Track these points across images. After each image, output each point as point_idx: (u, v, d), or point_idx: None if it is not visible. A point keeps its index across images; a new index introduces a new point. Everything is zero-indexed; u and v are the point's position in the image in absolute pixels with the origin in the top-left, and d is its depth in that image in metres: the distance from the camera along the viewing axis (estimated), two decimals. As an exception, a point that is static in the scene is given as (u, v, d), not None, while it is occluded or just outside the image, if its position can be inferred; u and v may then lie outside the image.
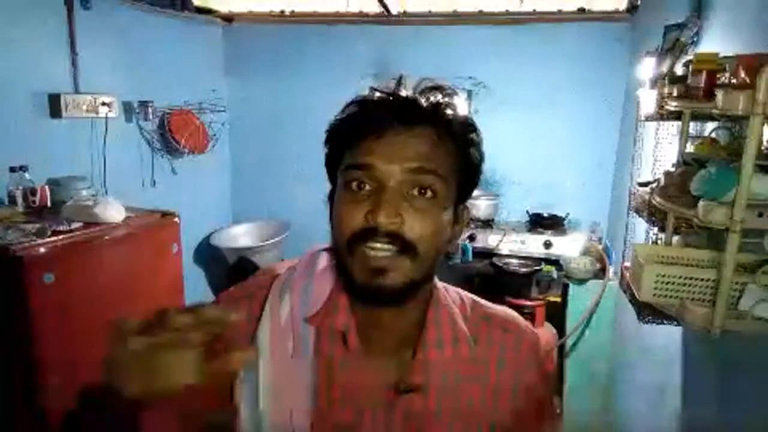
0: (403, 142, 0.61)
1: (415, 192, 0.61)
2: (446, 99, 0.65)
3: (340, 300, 0.69)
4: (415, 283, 0.63)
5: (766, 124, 0.87)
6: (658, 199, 1.14)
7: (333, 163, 0.67)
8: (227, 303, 0.73)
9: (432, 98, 0.64)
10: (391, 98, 0.64)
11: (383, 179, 0.61)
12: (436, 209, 0.62)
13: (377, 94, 0.65)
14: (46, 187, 2.11)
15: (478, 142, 0.68)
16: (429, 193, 0.62)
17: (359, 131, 0.62)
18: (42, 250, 1.75)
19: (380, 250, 0.60)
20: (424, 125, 0.62)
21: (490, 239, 2.98)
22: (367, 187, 0.61)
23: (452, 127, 0.64)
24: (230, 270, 3.32)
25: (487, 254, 2.95)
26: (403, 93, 0.65)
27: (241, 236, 3.58)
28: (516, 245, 2.95)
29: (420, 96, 0.64)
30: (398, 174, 0.60)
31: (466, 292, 0.78)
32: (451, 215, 0.66)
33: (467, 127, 0.66)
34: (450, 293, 0.75)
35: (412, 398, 0.68)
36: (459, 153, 0.65)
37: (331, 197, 0.69)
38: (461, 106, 0.68)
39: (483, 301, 0.78)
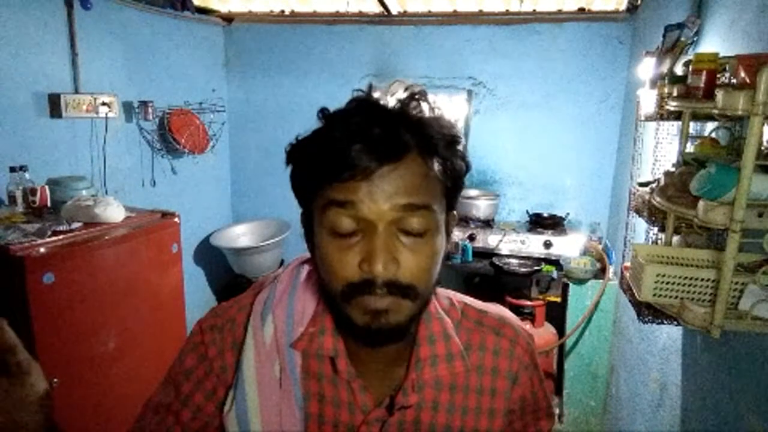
0: (391, 178, 0.55)
1: (407, 228, 0.56)
2: (429, 113, 0.59)
3: (325, 321, 0.65)
4: (415, 316, 0.61)
5: (766, 124, 0.87)
6: (658, 199, 1.14)
7: (305, 190, 0.62)
8: (211, 333, 0.69)
9: (416, 117, 0.58)
10: (369, 130, 0.55)
11: (373, 220, 0.55)
12: (430, 240, 0.58)
13: (357, 124, 0.56)
14: (46, 187, 2.10)
15: (463, 152, 0.62)
16: (422, 228, 0.57)
17: (342, 169, 0.54)
18: (42, 250, 1.75)
19: (379, 300, 0.56)
20: (410, 154, 0.56)
21: (490, 239, 2.99)
22: (354, 228, 0.56)
23: (439, 150, 0.58)
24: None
25: (487, 254, 2.95)
26: (379, 116, 0.56)
27: (241, 236, 3.59)
28: (516, 245, 2.95)
29: (398, 112, 0.58)
30: (388, 214, 0.55)
31: (456, 295, 0.75)
32: (443, 233, 0.61)
33: (453, 141, 0.60)
34: (440, 300, 0.71)
35: (406, 412, 0.66)
36: (446, 170, 0.59)
37: (305, 222, 0.64)
38: (441, 107, 0.61)
39: (474, 303, 0.75)
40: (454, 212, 0.66)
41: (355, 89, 0.61)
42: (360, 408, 0.65)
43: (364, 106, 0.58)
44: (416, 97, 0.59)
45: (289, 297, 0.68)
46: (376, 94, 0.60)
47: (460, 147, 0.61)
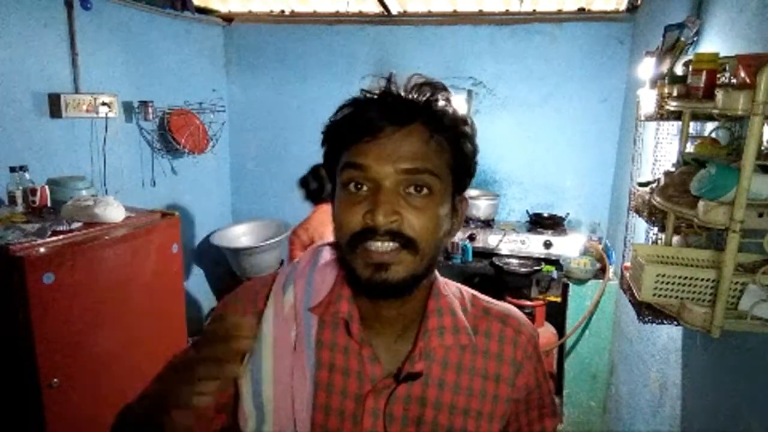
0: (396, 142, 0.62)
1: (412, 190, 0.63)
2: (437, 95, 0.66)
3: (343, 291, 0.70)
4: (417, 276, 0.65)
5: (766, 124, 0.87)
6: (658, 199, 1.14)
7: (332, 162, 0.68)
8: (234, 304, 0.75)
9: (422, 95, 0.65)
10: (383, 99, 0.65)
11: (379, 179, 0.62)
12: (433, 205, 0.64)
13: (369, 94, 0.66)
14: (46, 187, 2.10)
15: (470, 134, 0.69)
16: (425, 191, 0.63)
17: (354, 133, 0.63)
18: (42, 250, 1.75)
19: (381, 246, 0.62)
20: (415, 123, 0.63)
21: (490, 239, 2.99)
22: (365, 188, 0.63)
23: (443, 123, 0.65)
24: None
25: (487, 254, 2.95)
26: (394, 92, 0.65)
27: (241, 236, 3.58)
28: (516, 245, 2.95)
29: (410, 94, 0.65)
30: (393, 174, 0.62)
31: (465, 287, 0.79)
32: (449, 209, 0.67)
33: (459, 120, 0.67)
34: (450, 286, 0.76)
35: (413, 386, 0.69)
36: (452, 147, 0.66)
37: (334, 196, 0.70)
38: (454, 101, 0.68)
39: (482, 296, 0.79)
40: (465, 196, 0.72)
41: (380, 76, 0.67)
42: (368, 378, 0.69)
43: (383, 86, 0.66)
44: (435, 85, 0.66)
45: (310, 270, 0.73)
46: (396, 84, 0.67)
47: (467, 128, 0.68)
